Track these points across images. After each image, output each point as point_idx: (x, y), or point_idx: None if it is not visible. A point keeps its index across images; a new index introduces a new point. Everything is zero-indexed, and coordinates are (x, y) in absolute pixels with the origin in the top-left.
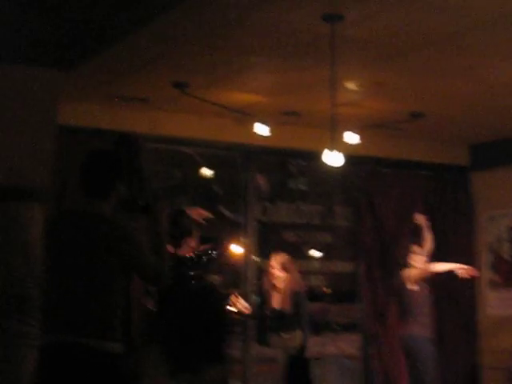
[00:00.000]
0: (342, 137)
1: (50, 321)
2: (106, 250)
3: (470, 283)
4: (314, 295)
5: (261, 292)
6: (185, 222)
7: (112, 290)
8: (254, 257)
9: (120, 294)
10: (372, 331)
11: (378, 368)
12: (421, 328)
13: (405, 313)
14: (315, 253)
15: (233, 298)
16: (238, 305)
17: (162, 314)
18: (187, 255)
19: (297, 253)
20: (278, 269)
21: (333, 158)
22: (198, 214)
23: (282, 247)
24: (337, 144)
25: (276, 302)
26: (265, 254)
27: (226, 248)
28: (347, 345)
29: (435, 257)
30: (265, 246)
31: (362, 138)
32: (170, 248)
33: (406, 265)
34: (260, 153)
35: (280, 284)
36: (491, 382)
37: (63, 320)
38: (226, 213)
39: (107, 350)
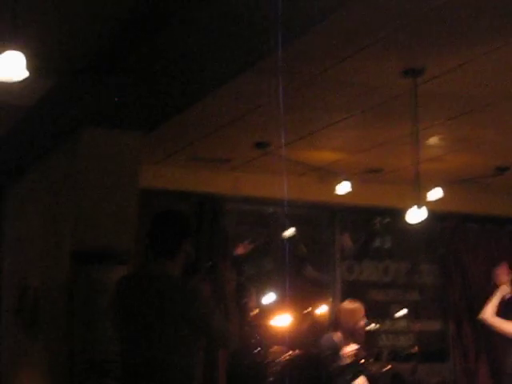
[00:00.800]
0: (426, 193)
1: None
2: (177, 314)
3: None
4: (403, 355)
5: None
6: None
7: (187, 354)
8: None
9: (196, 358)
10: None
11: None
12: None
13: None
14: (403, 311)
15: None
16: None
17: None
18: None
19: (384, 312)
20: None
21: (418, 215)
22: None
23: (369, 306)
24: (421, 200)
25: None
26: None
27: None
28: None
29: None
30: None
31: (446, 194)
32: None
33: None
34: (344, 211)
35: None
36: None
37: None
38: (313, 273)
39: None
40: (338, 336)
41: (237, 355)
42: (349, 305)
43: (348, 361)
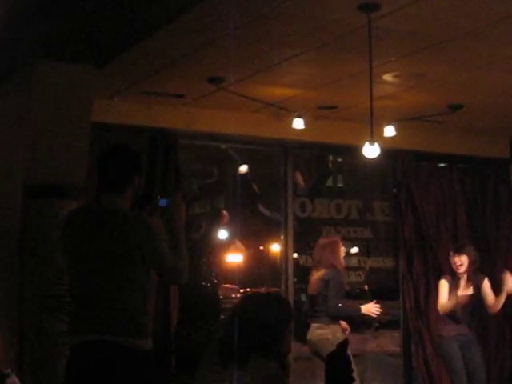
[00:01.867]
0: (380, 130)
1: (76, 320)
2: (126, 246)
3: None
4: (354, 293)
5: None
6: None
7: (136, 287)
8: (293, 254)
9: (146, 291)
10: (413, 328)
11: (419, 365)
12: (449, 327)
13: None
14: (354, 249)
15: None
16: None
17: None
18: None
19: None
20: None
21: (372, 151)
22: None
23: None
24: (376, 137)
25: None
26: (303, 251)
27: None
28: (388, 342)
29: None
30: (303, 242)
31: (400, 132)
32: None
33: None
34: (297, 148)
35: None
36: None
37: (89, 319)
38: (264, 210)
39: (135, 347)
40: None
41: (190, 292)
42: (325, 240)
43: None
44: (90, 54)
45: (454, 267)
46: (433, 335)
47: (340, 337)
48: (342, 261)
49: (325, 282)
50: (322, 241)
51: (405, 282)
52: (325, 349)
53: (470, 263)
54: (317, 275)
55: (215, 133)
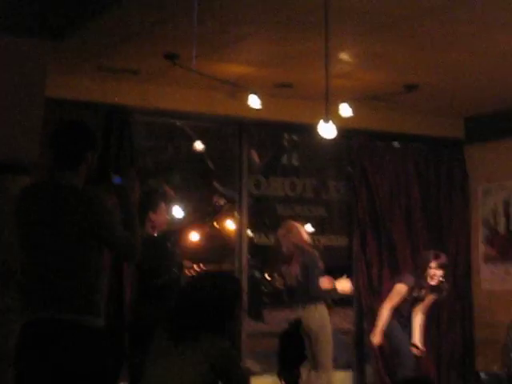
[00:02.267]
0: (336, 109)
1: (28, 297)
2: (79, 223)
3: (464, 258)
4: None
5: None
6: (149, 195)
7: (88, 265)
8: (248, 231)
9: (98, 269)
10: (366, 305)
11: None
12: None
13: None
14: (308, 227)
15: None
16: None
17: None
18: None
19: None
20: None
21: (327, 130)
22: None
23: (275, 222)
24: (331, 116)
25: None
26: (257, 228)
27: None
28: (341, 319)
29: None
30: (258, 220)
31: (355, 111)
32: None
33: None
34: (253, 126)
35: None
36: (486, 355)
37: (41, 296)
38: (219, 188)
39: (87, 325)
40: None
41: (148, 268)
42: (283, 230)
43: None
44: (45, 29)
45: (430, 277)
46: None
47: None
48: (308, 240)
49: (303, 268)
50: (281, 232)
51: (358, 260)
52: (325, 329)
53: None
54: (294, 264)
55: (170, 110)
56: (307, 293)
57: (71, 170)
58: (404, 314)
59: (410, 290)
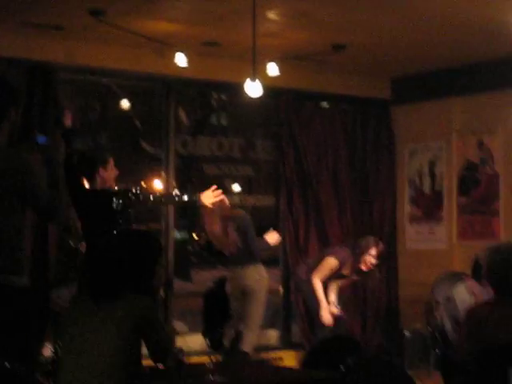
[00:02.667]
0: (263, 68)
1: None
2: (4, 183)
3: (390, 218)
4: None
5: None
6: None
7: (10, 223)
8: (175, 191)
9: (20, 227)
10: (293, 265)
11: (299, 302)
12: (307, 269)
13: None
14: (235, 187)
15: None
16: None
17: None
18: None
19: (217, 186)
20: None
21: (254, 89)
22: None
23: (203, 181)
24: (258, 75)
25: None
26: (185, 188)
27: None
28: (268, 279)
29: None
30: (185, 179)
31: (283, 70)
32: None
33: None
34: (181, 85)
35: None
36: (410, 315)
37: None
38: (147, 147)
39: (10, 284)
40: None
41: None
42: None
43: None
44: None
45: (366, 262)
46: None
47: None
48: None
49: (240, 231)
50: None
51: (285, 219)
52: (262, 290)
53: None
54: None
55: (96, 67)
56: (248, 255)
57: None
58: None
59: (340, 265)
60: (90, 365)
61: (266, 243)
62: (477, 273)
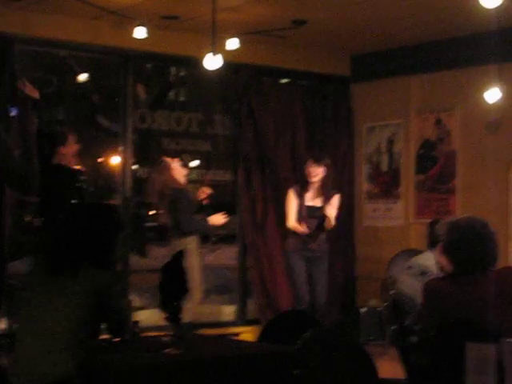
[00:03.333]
0: (223, 43)
1: None
2: None
3: (347, 195)
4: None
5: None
6: (57, 129)
7: None
8: (132, 166)
9: None
10: (250, 241)
11: (256, 278)
12: (293, 242)
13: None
14: (194, 162)
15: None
16: None
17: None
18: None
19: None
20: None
21: (213, 63)
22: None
23: (160, 155)
24: (218, 50)
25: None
26: (143, 163)
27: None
28: (225, 255)
29: None
30: (143, 154)
31: (242, 45)
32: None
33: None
34: (139, 58)
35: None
36: (366, 291)
37: None
38: (104, 122)
39: None
40: None
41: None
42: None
43: None
44: None
45: (309, 176)
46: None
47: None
48: (181, 178)
49: (172, 203)
50: (155, 172)
51: (243, 196)
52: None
53: (327, 176)
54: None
55: (53, 39)
56: (178, 227)
57: None
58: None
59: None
60: (48, 337)
61: (206, 223)
62: (433, 244)
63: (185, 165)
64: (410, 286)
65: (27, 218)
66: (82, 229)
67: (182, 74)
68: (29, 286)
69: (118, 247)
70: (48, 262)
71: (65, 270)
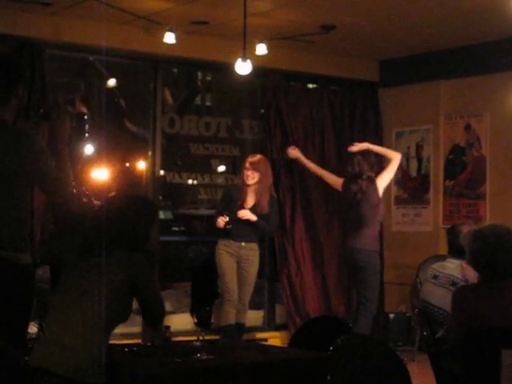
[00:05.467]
0: (252, 48)
1: None
2: (11, 159)
3: None
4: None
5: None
6: None
7: (20, 202)
8: (161, 171)
9: (27, 206)
10: (278, 245)
11: (284, 283)
12: (370, 240)
13: (353, 223)
14: (221, 167)
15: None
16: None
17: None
18: None
19: (204, 166)
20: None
21: (244, 68)
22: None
23: (189, 161)
24: (248, 54)
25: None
26: (171, 168)
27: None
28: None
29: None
30: (171, 159)
31: (271, 50)
32: None
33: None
34: (168, 63)
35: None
36: (395, 297)
37: None
38: (132, 128)
39: (19, 261)
40: None
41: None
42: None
43: None
44: None
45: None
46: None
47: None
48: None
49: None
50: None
51: None
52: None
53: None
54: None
55: (83, 44)
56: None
57: (2, 104)
58: None
59: None
60: (81, 315)
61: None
62: (458, 251)
63: None
64: (440, 297)
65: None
66: (118, 217)
67: (208, 78)
68: (63, 270)
69: (153, 237)
70: (83, 244)
71: (98, 251)
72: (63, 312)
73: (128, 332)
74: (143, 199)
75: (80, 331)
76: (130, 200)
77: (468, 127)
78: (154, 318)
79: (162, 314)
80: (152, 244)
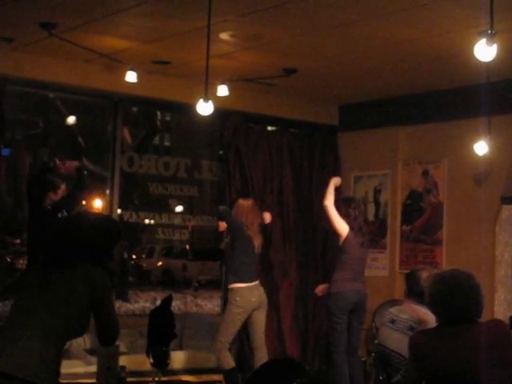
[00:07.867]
0: (213, 89)
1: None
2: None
3: (333, 244)
4: (176, 251)
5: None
6: (49, 178)
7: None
8: (118, 210)
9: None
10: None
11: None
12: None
13: (356, 269)
14: (179, 207)
15: None
16: None
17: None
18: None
19: (161, 206)
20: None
21: (206, 109)
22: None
23: (147, 200)
24: (209, 95)
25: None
26: (129, 207)
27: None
28: (207, 301)
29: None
30: (129, 198)
31: (231, 92)
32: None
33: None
34: (128, 102)
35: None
36: None
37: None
38: (90, 166)
39: None
40: None
41: None
42: (242, 201)
43: None
44: None
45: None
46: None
47: None
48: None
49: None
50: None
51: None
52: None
53: None
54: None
55: (44, 81)
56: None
57: None
58: None
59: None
60: (37, 323)
61: None
62: (417, 296)
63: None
64: (397, 341)
65: (8, 259)
66: (85, 230)
67: (167, 118)
68: (23, 282)
69: (116, 257)
70: (47, 256)
71: (61, 265)
72: (22, 319)
73: (83, 372)
74: (109, 217)
75: (37, 337)
76: (97, 216)
77: (426, 173)
78: (109, 334)
79: (117, 332)
80: (113, 263)
